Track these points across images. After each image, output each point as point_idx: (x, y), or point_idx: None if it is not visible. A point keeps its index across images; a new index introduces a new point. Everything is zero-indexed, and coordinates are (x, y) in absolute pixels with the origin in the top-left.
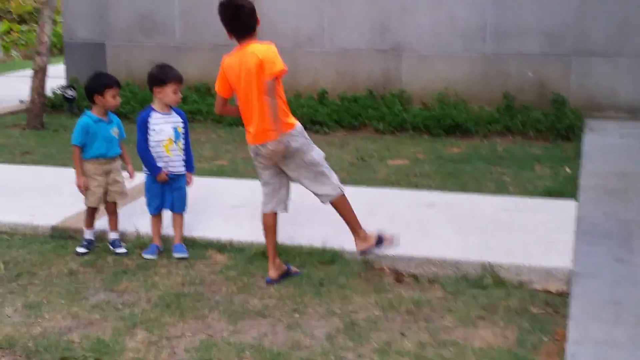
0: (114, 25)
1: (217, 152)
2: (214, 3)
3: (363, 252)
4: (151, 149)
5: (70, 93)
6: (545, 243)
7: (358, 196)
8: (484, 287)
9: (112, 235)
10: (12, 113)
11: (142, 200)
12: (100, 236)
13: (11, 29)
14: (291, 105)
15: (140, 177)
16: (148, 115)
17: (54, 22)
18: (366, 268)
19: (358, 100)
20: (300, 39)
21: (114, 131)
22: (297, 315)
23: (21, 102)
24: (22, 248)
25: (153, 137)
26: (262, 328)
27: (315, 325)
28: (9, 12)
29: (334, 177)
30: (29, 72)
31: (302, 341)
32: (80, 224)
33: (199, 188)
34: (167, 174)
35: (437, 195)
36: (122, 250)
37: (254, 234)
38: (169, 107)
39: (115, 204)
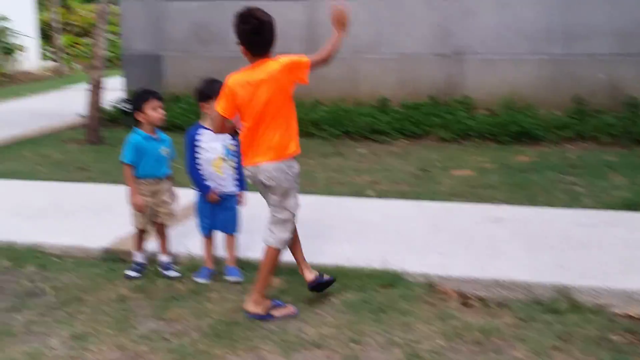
0: (171, 36)
1: None
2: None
3: (247, 313)
4: (200, 168)
5: (128, 106)
6: (625, 262)
7: (420, 211)
8: (558, 312)
9: (163, 258)
10: (71, 127)
11: (195, 221)
12: (153, 259)
13: (74, 42)
14: (351, 115)
15: (191, 197)
16: (196, 132)
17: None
18: (430, 291)
19: (420, 107)
20: (358, 45)
21: (164, 150)
22: (354, 346)
23: (80, 116)
24: (72, 272)
25: (202, 155)
26: None
27: (374, 357)
28: (73, 25)
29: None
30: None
31: None
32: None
33: (255, 205)
34: (217, 194)
35: (505, 210)
36: (173, 273)
37: (311, 255)
38: None
39: (164, 225)
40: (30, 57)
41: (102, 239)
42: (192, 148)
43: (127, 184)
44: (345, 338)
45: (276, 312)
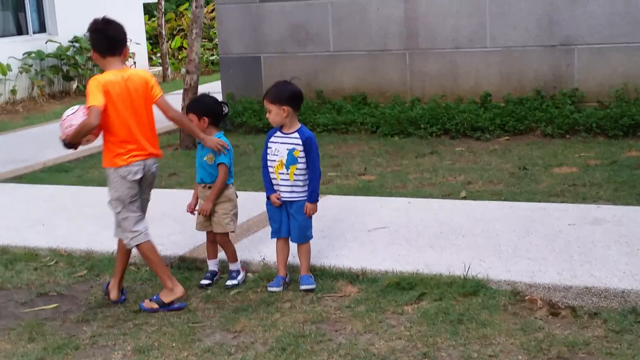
0: (268, 37)
1: (366, 166)
2: (367, 9)
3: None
4: (268, 170)
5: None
6: None
7: (513, 213)
8: None
9: (231, 267)
10: (168, 132)
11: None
12: (228, 267)
13: (182, 46)
14: (451, 111)
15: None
16: (272, 133)
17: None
18: (515, 300)
19: (524, 102)
20: (459, 39)
21: (208, 157)
22: None
23: None
24: (146, 281)
25: (269, 157)
26: None
27: None
28: (182, 29)
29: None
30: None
31: None
32: None
33: (338, 209)
34: (278, 198)
35: (607, 210)
36: (233, 282)
37: (390, 261)
38: (295, 126)
39: (221, 234)
40: (139, 63)
41: (179, 247)
42: (264, 149)
43: None
44: (418, 352)
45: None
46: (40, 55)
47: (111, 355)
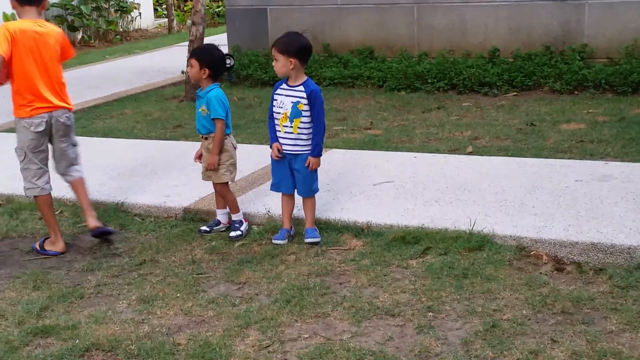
0: None
1: (372, 120)
2: None
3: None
4: (274, 122)
5: (228, 62)
6: None
7: (519, 169)
8: None
9: (232, 217)
10: (173, 84)
11: None
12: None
13: None
14: (458, 66)
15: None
16: (278, 85)
17: None
18: (520, 255)
19: (533, 57)
20: None
21: (202, 109)
22: (431, 315)
23: (183, 72)
24: (151, 232)
25: (275, 109)
26: (389, 330)
27: (451, 327)
28: None
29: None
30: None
31: (432, 347)
32: (213, 205)
33: (344, 163)
34: (279, 150)
35: (614, 166)
36: (236, 232)
37: (395, 216)
38: (301, 79)
39: (220, 184)
40: (145, 14)
41: (184, 199)
42: (271, 101)
43: None
44: (422, 306)
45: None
46: None
47: (116, 305)
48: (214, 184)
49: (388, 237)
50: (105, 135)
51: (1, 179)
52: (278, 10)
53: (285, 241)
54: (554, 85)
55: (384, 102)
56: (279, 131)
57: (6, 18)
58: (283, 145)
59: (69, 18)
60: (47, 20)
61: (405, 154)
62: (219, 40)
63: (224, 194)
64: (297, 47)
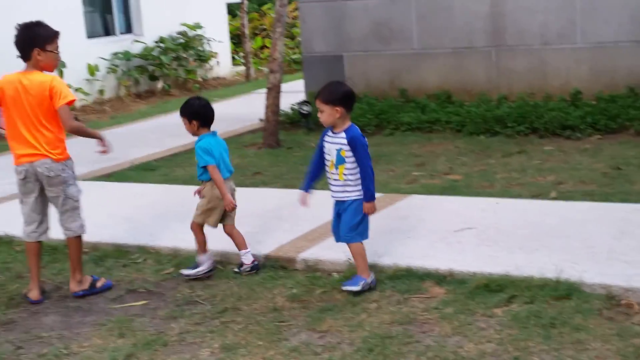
0: (351, 36)
1: (452, 165)
2: (452, 6)
3: (76, 295)
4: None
5: (305, 109)
6: None
7: (607, 214)
8: None
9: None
10: (251, 132)
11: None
12: (313, 266)
13: (264, 45)
14: (539, 109)
15: None
16: (325, 133)
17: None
18: (610, 304)
19: (617, 99)
20: (548, 35)
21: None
22: None
23: (261, 120)
24: (232, 279)
25: (325, 156)
26: None
27: None
28: (264, 29)
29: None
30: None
31: None
32: (294, 252)
33: (424, 209)
34: (305, 199)
35: None
36: (188, 271)
37: (478, 263)
38: (344, 126)
39: (193, 222)
40: (222, 63)
41: (264, 246)
42: (318, 147)
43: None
44: (509, 356)
45: (97, 284)
46: (126, 56)
47: (199, 353)
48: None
49: (471, 284)
50: (185, 183)
51: (87, 226)
52: (354, 57)
53: (358, 287)
54: None
55: (463, 146)
56: (329, 178)
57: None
58: (333, 193)
59: (150, 68)
60: (129, 70)
61: (486, 199)
62: (296, 86)
63: (196, 234)
64: (341, 95)
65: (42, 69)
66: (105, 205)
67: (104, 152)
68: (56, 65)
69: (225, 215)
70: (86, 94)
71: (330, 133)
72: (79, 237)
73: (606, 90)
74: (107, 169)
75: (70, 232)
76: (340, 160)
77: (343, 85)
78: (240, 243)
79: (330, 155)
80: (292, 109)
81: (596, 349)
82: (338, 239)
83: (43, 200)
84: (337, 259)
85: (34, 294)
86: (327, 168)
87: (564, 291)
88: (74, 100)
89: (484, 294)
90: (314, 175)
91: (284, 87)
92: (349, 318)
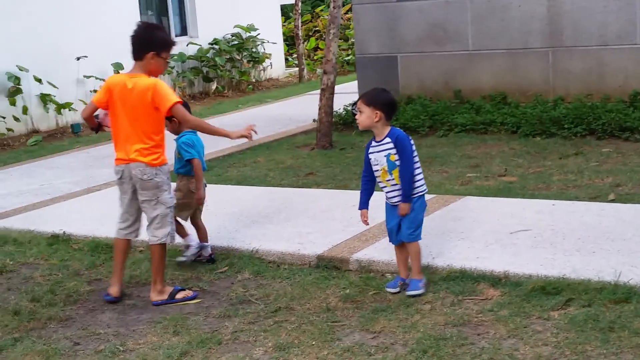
0: (405, 37)
1: (507, 167)
2: (508, 7)
3: (154, 303)
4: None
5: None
6: None
7: None
8: None
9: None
10: (304, 132)
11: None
12: (367, 267)
13: (317, 47)
14: (597, 111)
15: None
16: (369, 146)
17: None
18: None
19: None
20: (607, 36)
21: (175, 153)
22: None
23: (314, 121)
24: (285, 279)
25: (373, 169)
26: None
27: None
28: (317, 31)
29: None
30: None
31: None
32: (347, 252)
33: (479, 210)
34: (364, 216)
35: None
36: (181, 258)
37: (534, 265)
38: (386, 131)
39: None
40: (276, 64)
41: (317, 246)
42: (365, 163)
43: None
44: None
45: (178, 295)
46: (181, 58)
47: (252, 351)
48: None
49: (527, 287)
50: (239, 183)
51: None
52: (408, 57)
53: (397, 289)
54: None
55: (518, 148)
56: (385, 186)
57: None
58: (393, 198)
59: (204, 69)
60: (184, 72)
61: (542, 201)
62: (350, 88)
63: (201, 225)
64: (384, 100)
65: (149, 73)
66: None
67: (248, 136)
68: (162, 73)
69: (196, 209)
70: None
71: (373, 143)
72: (163, 246)
73: None
74: None
75: (155, 238)
76: (392, 165)
77: (388, 92)
78: (203, 236)
79: (380, 164)
80: (345, 110)
81: None
82: (396, 240)
83: (137, 203)
84: (390, 260)
85: (114, 290)
86: (378, 180)
87: (623, 294)
88: (180, 101)
89: (540, 297)
90: (368, 191)
91: (337, 88)
92: (403, 319)
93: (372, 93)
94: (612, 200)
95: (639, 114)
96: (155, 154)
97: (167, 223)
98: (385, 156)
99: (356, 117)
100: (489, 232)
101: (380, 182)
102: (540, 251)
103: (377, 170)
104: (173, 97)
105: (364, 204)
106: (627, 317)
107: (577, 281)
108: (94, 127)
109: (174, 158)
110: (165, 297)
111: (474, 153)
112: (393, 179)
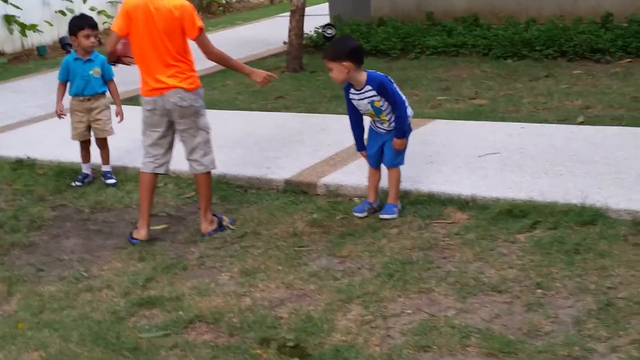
0: None
1: (477, 90)
2: None
3: (206, 234)
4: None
5: (329, 32)
6: None
7: (634, 139)
8: None
9: (103, 168)
10: (274, 55)
11: None
12: (335, 191)
13: None
14: (569, 32)
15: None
16: (347, 90)
17: None
18: (636, 230)
19: None
20: None
21: (94, 70)
22: (540, 292)
23: (284, 43)
24: (253, 204)
25: (360, 110)
26: (496, 307)
27: (561, 305)
28: None
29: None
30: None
31: (541, 326)
32: (315, 176)
33: (448, 133)
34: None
35: None
36: (112, 181)
37: (501, 188)
38: (363, 79)
39: (103, 140)
40: None
41: (285, 170)
42: (347, 105)
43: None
44: (531, 282)
45: (223, 222)
46: None
47: (218, 277)
48: (87, 141)
49: (494, 210)
50: (207, 107)
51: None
52: None
53: (365, 214)
54: None
55: (490, 70)
56: (374, 123)
57: None
58: (381, 129)
59: None
60: None
61: (512, 124)
62: (321, 10)
63: (105, 147)
64: (347, 50)
65: None
66: (128, 130)
67: (263, 83)
68: None
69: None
70: (109, 16)
71: (353, 90)
72: (209, 174)
73: (639, 12)
74: (130, 93)
75: (203, 167)
76: (378, 111)
77: (348, 40)
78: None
79: (364, 109)
80: (316, 32)
81: (620, 275)
82: (377, 164)
83: (167, 138)
84: (358, 184)
85: (142, 233)
86: (367, 115)
87: (589, 217)
88: (203, 27)
89: (507, 220)
90: (360, 131)
91: (308, 10)
92: (370, 243)
93: (332, 48)
94: (582, 123)
95: (611, 36)
96: (191, 78)
97: (210, 149)
98: (369, 103)
99: (330, 75)
100: (457, 155)
101: (370, 120)
102: (508, 174)
103: (364, 113)
104: (200, 22)
105: (361, 146)
106: (592, 239)
107: (544, 204)
108: (113, 60)
109: (87, 77)
110: (215, 226)
111: (445, 76)
112: (382, 121)
